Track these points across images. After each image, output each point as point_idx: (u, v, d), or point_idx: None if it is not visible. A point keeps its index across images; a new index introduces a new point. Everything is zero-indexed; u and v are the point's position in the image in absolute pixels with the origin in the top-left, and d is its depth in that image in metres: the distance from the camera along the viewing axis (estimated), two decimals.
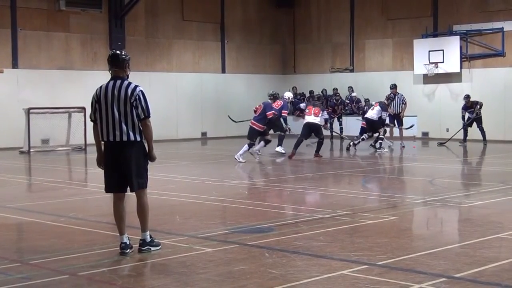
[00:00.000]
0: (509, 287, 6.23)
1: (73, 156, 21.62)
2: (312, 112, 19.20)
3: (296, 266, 7.05)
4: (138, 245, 7.67)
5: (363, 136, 21.39)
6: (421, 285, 6.28)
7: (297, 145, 19.02)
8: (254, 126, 18.28)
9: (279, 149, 20.19)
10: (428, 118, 26.32)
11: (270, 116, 18.41)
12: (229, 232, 8.84)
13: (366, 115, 21.87)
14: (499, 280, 6.43)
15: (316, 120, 19.07)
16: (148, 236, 7.68)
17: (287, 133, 20.22)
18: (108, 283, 6.53)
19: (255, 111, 18.76)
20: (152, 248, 7.66)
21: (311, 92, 28.80)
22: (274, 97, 19.63)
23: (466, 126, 23.24)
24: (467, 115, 23.27)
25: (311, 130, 19.23)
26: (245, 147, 18.09)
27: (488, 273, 6.70)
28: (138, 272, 7.08)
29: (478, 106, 23.11)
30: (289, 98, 20.84)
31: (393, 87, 23.31)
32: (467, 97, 23.37)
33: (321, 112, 19.20)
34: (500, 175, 15.74)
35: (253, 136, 18.31)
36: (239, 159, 17.89)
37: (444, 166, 17.52)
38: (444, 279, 6.48)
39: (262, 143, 18.74)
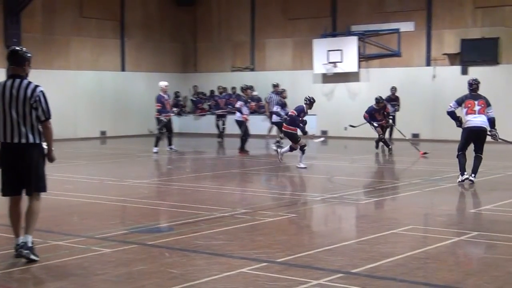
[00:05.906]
0: (403, 281, 6.42)
1: None
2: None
3: (196, 265, 7.05)
4: (17, 246, 7.19)
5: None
6: (319, 281, 6.39)
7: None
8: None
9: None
10: (327, 117, 26.77)
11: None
12: (128, 232, 8.74)
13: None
14: (394, 275, 6.62)
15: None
16: (31, 241, 7.24)
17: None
18: (3, 287, 6.34)
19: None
20: (32, 256, 7.17)
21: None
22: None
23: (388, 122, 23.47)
24: (390, 109, 23.20)
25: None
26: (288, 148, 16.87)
27: (384, 268, 6.89)
28: (34, 275, 6.90)
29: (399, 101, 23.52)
30: (161, 87, 20.31)
31: (276, 85, 23.35)
32: (394, 89, 23.71)
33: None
34: (395, 172, 16.20)
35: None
36: (300, 165, 16.24)
37: (343, 164, 17.84)
38: (341, 274, 6.63)
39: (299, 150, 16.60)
